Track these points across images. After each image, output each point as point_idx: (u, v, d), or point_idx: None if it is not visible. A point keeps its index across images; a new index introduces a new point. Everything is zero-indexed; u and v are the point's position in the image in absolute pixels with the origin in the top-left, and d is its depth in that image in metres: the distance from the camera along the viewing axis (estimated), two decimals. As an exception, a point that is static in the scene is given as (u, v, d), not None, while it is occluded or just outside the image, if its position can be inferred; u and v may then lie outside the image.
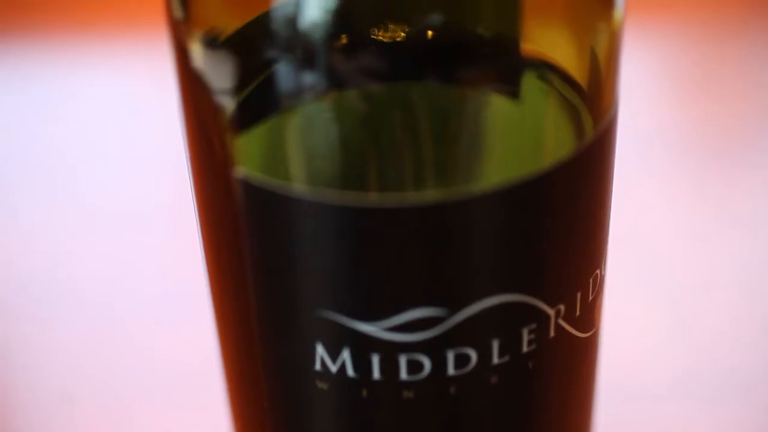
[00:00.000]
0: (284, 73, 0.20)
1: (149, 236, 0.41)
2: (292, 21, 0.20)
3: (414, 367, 0.21)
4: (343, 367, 0.21)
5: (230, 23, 0.21)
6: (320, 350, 0.21)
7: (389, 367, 0.21)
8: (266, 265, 0.21)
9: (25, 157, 0.44)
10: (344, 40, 0.20)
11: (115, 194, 0.42)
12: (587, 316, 0.22)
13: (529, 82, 0.21)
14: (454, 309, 0.20)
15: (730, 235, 0.40)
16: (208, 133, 0.21)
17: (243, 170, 0.20)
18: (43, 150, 0.45)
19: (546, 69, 0.21)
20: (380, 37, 0.20)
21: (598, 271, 0.22)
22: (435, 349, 0.21)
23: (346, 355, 0.21)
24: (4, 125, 0.46)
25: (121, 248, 0.40)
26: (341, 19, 0.20)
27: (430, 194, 0.20)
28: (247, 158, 0.21)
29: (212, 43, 0.21)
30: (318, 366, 0.21)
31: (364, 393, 0.21)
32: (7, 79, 0.48)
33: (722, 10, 0.50)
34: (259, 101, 0.21)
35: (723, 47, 0.48)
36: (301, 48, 0.20)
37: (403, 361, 0.21)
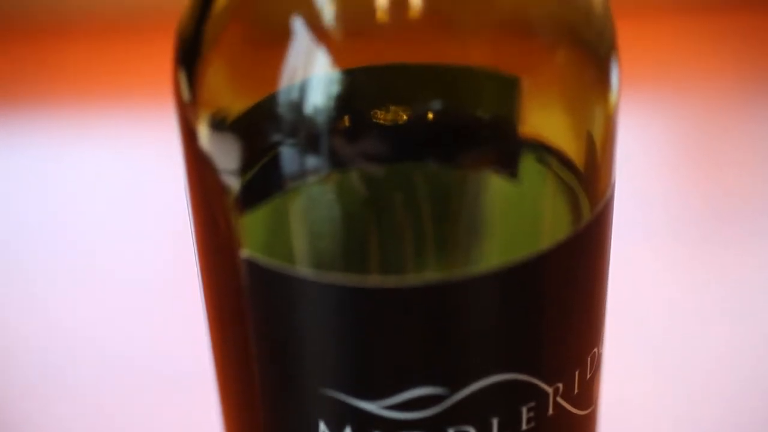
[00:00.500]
0: (287, 155, 0.20)
1: (152, 308, 0.41)
2: (295, 105, 0.20)
3: (415, 444, 0.21)
4: (344, 443, 0.21)
5: (236, 106, 0.21)
6: (322, 427, 0.21)
7: (390, 444, 0.21)
8: (269, 342, 0.21)
9: (30, 226, 0.45)
10: (346, 123, 0.20)
11: (119, 266, 0.43)
12: (586, 394, 0.22)
13: (528, 165, 0.21)
14: (454, 388, 0.21)
15: (732, 305, 0.40)
16: (213, 212, 0.22)
17: (247, 250, 0.21)
18: (48, 220, 0.45)
19: (544, 151, 0.21)
20: (381, 120, 0.20)
21: (596, 349, 0.22)
22: (436, 427, 0.21)
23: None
24: (10, 193, 0.47)
25: (123, 321, 0.40)
26: (342, 103, 0.20)
27: (430, 275, 0.20)
28: (252, 238, 0.21)
29: (219, 125, 0.21)
30: (320, 442, 0.22)
31: (366, 469, 0.22)
32: (15, 148, 0.49)
33: (724, 78, 0.51)
34: (263, 182, 0.21)
35: (724, 115, 0.49)
36: (304, 131, 0.20)
37: (404, 438, 0.21)
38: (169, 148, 0.48)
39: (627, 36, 0.53)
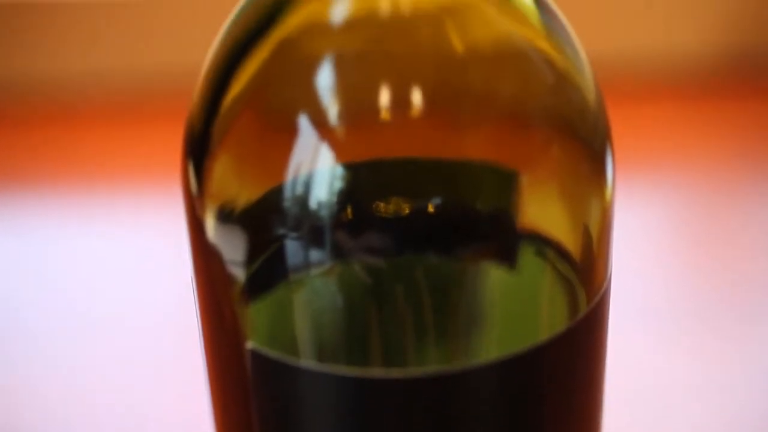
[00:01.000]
0: (291, 247, 0.21)
1: (155, 395, 0.41)
2: (300, 199, 0.21)
3: None
4: None
5: (242, 198, 0.22)
6: None
7: None
8: (274, 431, 0.22)
9: (36, 306, 0.45)
10: (348, 216, 0.21)
11: (124, 354, 0.43)
12: (584, 482, 0.23)
13: (526, 257, 0.22)
14: (455, 476, 0.21)
15: (734, 383, 0.40)
16: (219, 302, 0.22)
17: (252, 341, 0.21)
18: (52, 304, 0.45)
19: (542, 244, 0.22)
20: (383, 214, 0.21)
21: (594, 438, 0.23)
22: None
23: None
24: (17, 275, 0.47)
25: (126, 406, 0.41)
26: (345, 198, 0.21)
27: (431, 366, 0.21)
28: (257, 329, 0.22)
29: (225, 217, 0.22)
30: None
31: None
32: (22, 229, 0.49)
33: (722, 160, 0.51)
34: (268, 274, 0.22)
35: (723, 196, 0.49)
36: (308, 225, 0.21)
37: None
38: (176, 235, 0.49)
39: (627, 118, 0.54)
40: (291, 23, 0.21)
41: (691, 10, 0.56)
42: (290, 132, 0.21)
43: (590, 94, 0.22)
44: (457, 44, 0.21)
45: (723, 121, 0.54)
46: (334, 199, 0.21)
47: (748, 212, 0.49)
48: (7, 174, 0.53)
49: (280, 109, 0.21)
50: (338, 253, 0.21)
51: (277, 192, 0.21)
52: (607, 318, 0.22)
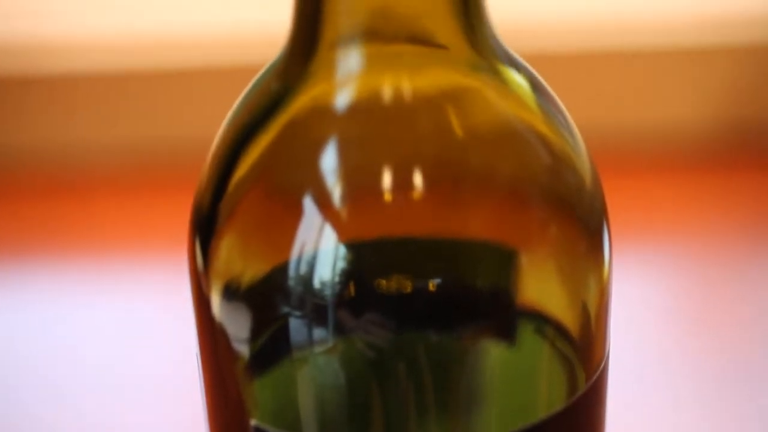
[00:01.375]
0: (295, 325, 0.21)
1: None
2: (304, 278, 0.21)
3: None
4: None
5: (248, 276, 0.22)
6: None
7: None
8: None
9: (40, 376, 0.45)
10: (351, 295, 0.21)
11: (128, 420, 0.43)
12: None
13: (526, 335, 0.22)
14: None
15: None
16: (224, 378, 0.23)
17: (257, 418, 0.21)
18: (56, 372, 0.45)
19: (541, 322, 0.22)
20: (385, 293, 0.21)
21: None
22: None
23: None
24: (19, 343, 0.47)
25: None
26: (348, 277, 0.21)
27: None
28: (261, 405, 0.22)
29: (231, 295, 0.22)
30: None
31: None
32: (29, 300, 0.50)
33: (723, 236, 0.52)
34: (272, 351, 0.22)
35: (723, 274, 0.49)
36: (311, 304, 0.21)
37: None
38: (180, 306, 0.49)
39: (625, 190, 0.54)
40: (296, 107, 0.22)
41: (689, 83, 0.57)
42: (295, 212, 0.21)
43: (586, 173, 0.23)
44: (457, 128, 0.21)
45: (721, 193, 0.54)
46: (337, 278, 0.21)
47: (746, 286, 0.49)
48: (14, 245, 0.53)
49: (285, 189, 0.22)
50: (341, 331, 0.21)
51: (281, 271, 0.21)
52: (606, 395, 0.22)
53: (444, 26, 0.21)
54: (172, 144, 0.58)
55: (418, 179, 0.21)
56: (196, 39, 0.56)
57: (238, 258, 0.22)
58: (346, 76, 0.21)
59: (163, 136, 0.57)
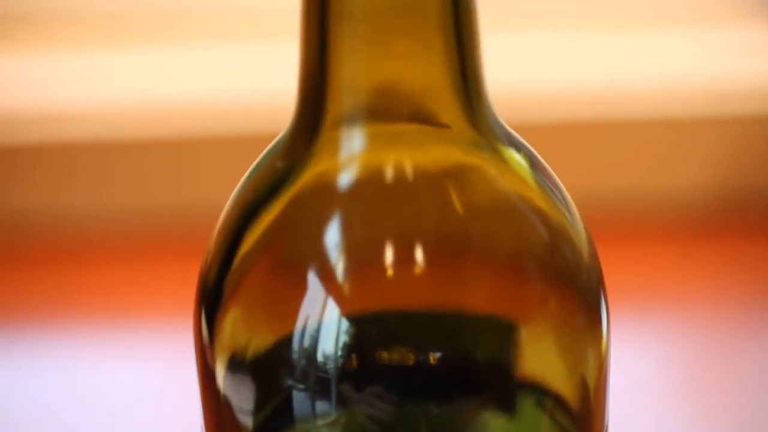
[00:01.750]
0: (298, 398, 0.22)
1: None
2: (307, 352, 0.22)
3: None
4: None
5: (252, 349, 0.22)
6: None
7: None
8: None
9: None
10: (353, 368, 0.22)
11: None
12: None
13: (525, 407, 0.22)
14: None
15: None
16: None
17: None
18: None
19: (541, 394, 0.22)
20: (386, 365, 0.22)
21: None
22: None
23: None
24: (18, 409, 0.47)
25: None
26: (350, 351, 0.22)
27: None
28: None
29: (235, 367, 0.23)
30: None
31: None
32: (29, 366, 0.50)
33: (724, 305, 0.52)
34: (275, 422, 0.22)
35: (727, 346, 0.50)
36: (314, 377, 0.21)
37: None
38: (183, 375, 0.49)
39: (623, 258, 0.54)
40: (300, 184, 0.22)
41: (690, 152, 0.57)
42: (299, 287, 0.22)
43: (584, 248, 0.23)
44: (458, 204, 0.22)
45: (722, 263, 0.55)
46: (340, 351, 0.21)
47: (746, 354, 0.49)
48: (14, 310, 0.53)
49: (290, 264, 0.22)
50: (344, 404, 0.21)
51: (285, 344, 0.22)
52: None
53: (445, 106, 0.22)
54: (175, 212, 0.58)
55: (419, 254, 0.22)
56: (199, 108, 0.57)
57: (243, 331, 0.23)
58: (350, 155, 0.22)
59: (166, 204, 0.58)
